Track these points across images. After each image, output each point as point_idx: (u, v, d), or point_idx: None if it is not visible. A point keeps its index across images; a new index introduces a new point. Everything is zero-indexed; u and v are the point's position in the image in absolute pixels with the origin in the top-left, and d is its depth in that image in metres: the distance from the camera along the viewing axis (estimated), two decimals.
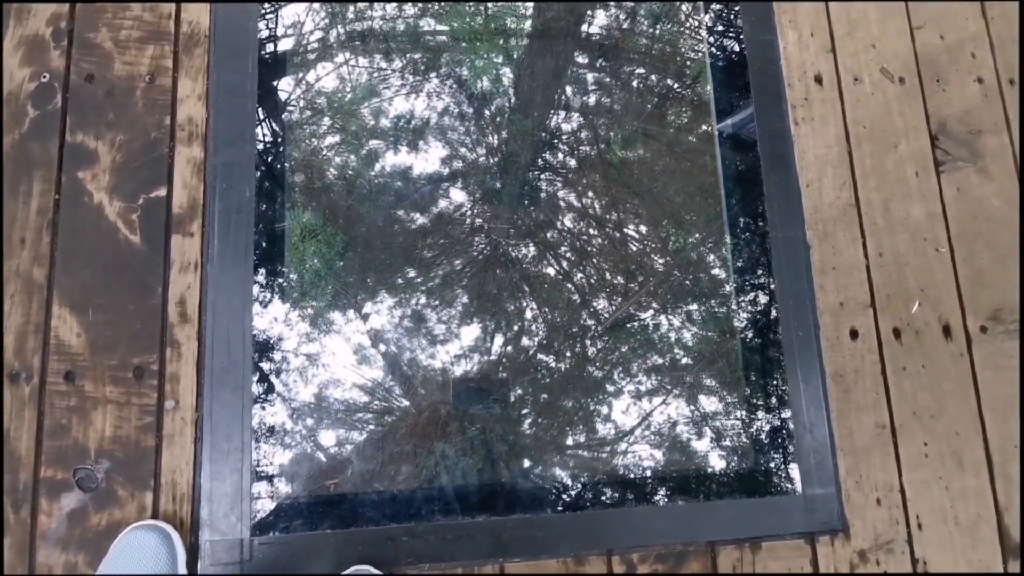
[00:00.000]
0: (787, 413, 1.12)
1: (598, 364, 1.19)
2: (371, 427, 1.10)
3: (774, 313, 1.15)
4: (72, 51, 1.08)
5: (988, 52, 1.29)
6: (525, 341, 1.18)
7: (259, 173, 1.08)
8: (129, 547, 0.87)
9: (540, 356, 1.18)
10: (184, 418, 0.98)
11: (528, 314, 1.19)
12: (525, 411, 1.15)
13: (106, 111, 1.06)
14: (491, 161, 1.25)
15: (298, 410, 1.06)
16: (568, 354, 1.18)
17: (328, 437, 1.07)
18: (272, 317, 1.08)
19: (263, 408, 1.04)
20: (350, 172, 1.20)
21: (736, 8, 1.27)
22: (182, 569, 0.89)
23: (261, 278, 1.06)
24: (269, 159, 1.13)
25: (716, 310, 1.20)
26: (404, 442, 1.08)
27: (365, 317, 1.13)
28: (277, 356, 1.07)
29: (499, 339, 1.18)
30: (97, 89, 1.07)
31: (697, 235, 1.22)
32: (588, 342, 1.19)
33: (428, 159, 1.22)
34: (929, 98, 1.26)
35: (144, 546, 0.86)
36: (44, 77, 1.06)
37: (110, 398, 0.97)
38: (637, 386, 1.18)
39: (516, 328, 1.18)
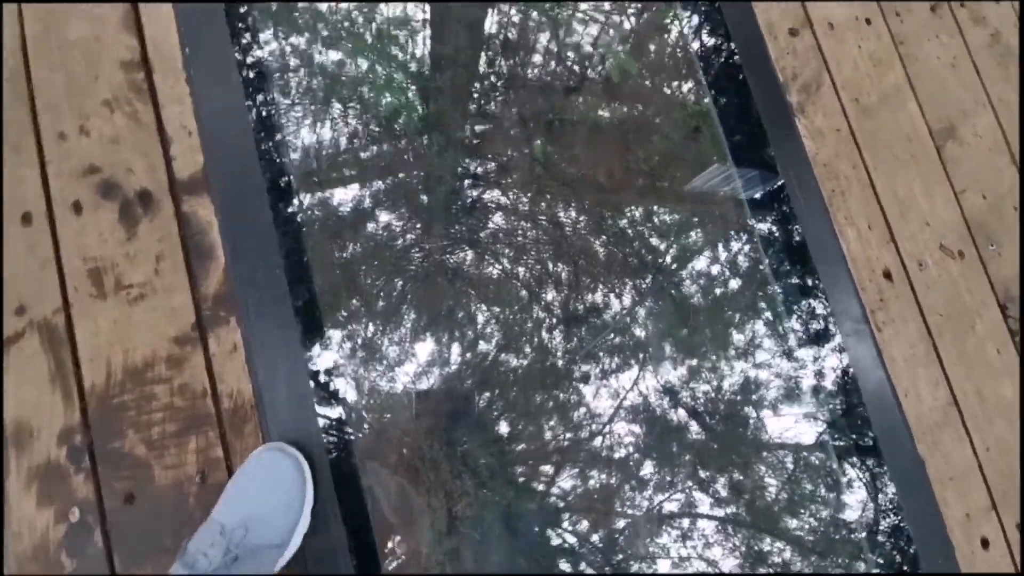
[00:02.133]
0: None
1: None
2: None
3: (908, 540, 1.11)
4: (99, 470, 0.89)
5: None
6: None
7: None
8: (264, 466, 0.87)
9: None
10: None
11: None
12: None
13: (159, 535, 0.89)
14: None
15: None
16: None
17: None
18: None
19: None
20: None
21: (792, 211, 1.22)
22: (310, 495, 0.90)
23: None
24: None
25: (850, 538, 1.16)
26: None
27: None
28: None
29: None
30: (140, 511, 0.89)
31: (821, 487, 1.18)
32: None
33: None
34: (989, 265, 1.25)
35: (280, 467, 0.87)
36: (73, 515, 0.87)
37: None
38: None
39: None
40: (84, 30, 1.00)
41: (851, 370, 1.15)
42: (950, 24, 1.35)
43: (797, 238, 1.21)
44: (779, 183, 1.22)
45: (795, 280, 1.22)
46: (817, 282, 1.17)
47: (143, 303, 0.94)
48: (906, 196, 1.24)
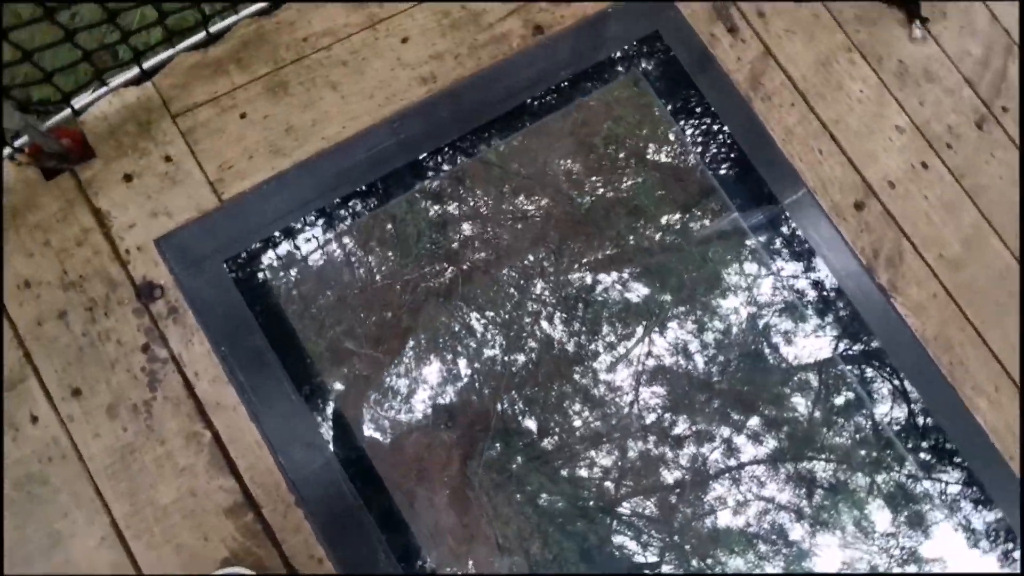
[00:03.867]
0: None
1: None
2: None
3: None
4: None
5: None
6: None
7: None
8: None
9: None
10: None
11: None
12: None
13: None
14: None
15: None
16: None
17: None
18: None
19: None
20: None
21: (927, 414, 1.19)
22: None
23: None
24: None
25: None
26: None
27: None
28: None
29: None
30: None
31: None
32: None
33: None
34: None
35: None
36: None
37: None
38: None
39: None
40: None
41: None
42: (999, 136, 1.31)
43: (934, 433, 1.18)
44: (888, 370, 1.18)
45: (948, 484, 1.19)
46: (971, 479, 1.14)
47: None
48: (1019, 339, 1.22)
